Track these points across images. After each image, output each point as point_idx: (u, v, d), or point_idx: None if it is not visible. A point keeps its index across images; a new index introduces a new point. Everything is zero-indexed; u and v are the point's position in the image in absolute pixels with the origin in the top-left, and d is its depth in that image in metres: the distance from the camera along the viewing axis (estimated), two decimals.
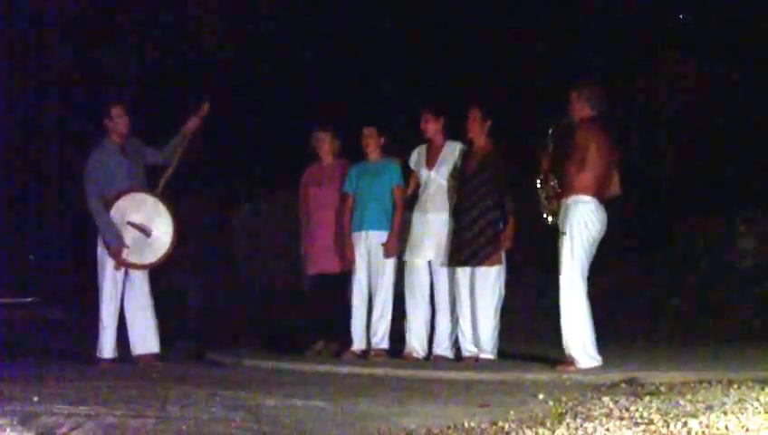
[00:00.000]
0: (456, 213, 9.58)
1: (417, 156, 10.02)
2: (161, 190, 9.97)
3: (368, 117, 10.64)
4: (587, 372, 8.21)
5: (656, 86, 15.94)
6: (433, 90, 15.12)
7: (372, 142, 10.14)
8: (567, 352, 8.45)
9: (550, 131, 8.73)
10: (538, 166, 8.71)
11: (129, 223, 9.73)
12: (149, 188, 9.98)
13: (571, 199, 8.51)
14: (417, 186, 9.98)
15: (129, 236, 9.74)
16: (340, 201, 10.25)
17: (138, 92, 19.22)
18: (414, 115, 10.09)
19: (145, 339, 9.83)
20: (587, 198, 8.51)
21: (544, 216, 8.66)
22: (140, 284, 9.84)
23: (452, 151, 9.81)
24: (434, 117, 9.86)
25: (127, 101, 10.81)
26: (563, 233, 8.48)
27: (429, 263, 9.79)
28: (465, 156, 9.69)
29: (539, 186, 8.68)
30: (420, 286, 9.81)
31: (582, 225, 8.47)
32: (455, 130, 9.91)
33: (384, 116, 12.20)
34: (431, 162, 9.85)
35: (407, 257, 9.89)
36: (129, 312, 9.83)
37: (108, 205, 9.67)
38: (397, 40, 17.48)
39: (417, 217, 9.87)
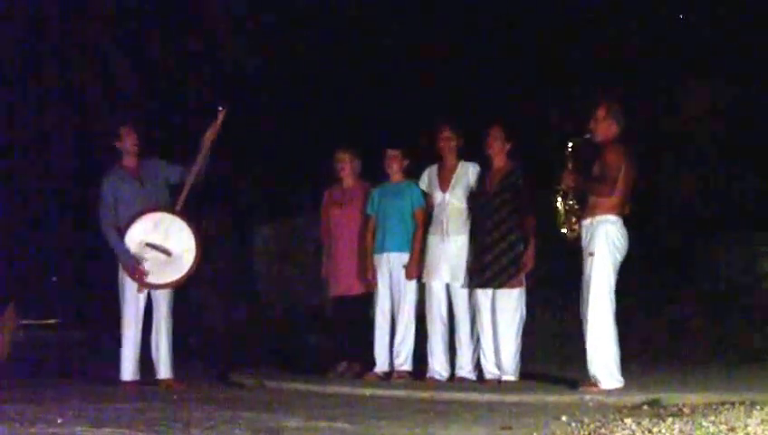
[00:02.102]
0: (477, 234, 9.56)
1: (427, 178, 10.01)
2: (180, 207, 9.91)
3: (393, 139, 10.64)
4: (609, 393, 8.19)
5: (674, 102, 15.93)
6: (451, 109, 15.12)
7: (396, 164, 10.15)
8: (591, 372, 8.43)
9: (569, 148, 8.70)
10: (558, 183, 8.67)
11: (147, 244, 9.72)
12: (170, 206, 9.95)
13: (598, 219, 8.48)
14: (432, 207, 9.97)
15: (149, 257, 9.72)
16: (362, 223, 10.27)
17: (153, 110, 19.25)
18: (431, 135, 10.09)
19: (167, 363, 9.84)
20: (614, 217, 8.50)
21: (564, 231, 8.64)
22: (165, 308, 9.84)
23: (465, 172, 9.81)
24: (455, 135, 9.86)
25: (135, 120, 10.76)
26: (591, 253, 8.45)
27: (448, 285, 9.78)
28: (482, 176, 9.68)
29: (558, 203, 8.66)
30: (439, 309, 9.80)
31: (612, 245, 8.46)
32: (468, 150, 9.93)
33: (405, 136, 12.20)
34: (445, 184, 9.84)
35: (425, 280, 9.89)
36: (153, 334, 9.85)
37: (125, 228, 9.68)
38: (417, 59, 17.51)
39: (433, 241, 9.84)
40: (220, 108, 9.92)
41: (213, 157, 10.00)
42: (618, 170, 8.45)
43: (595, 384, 8.38)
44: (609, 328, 8.43)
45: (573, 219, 8.62)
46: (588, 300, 8.44)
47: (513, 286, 9.36)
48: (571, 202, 8.63)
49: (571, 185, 8.61)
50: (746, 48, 15.04)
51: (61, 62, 20.03)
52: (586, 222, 8.54)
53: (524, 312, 9.45)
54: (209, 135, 9.88)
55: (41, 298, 22.03)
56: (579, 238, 8.63)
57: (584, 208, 8.59)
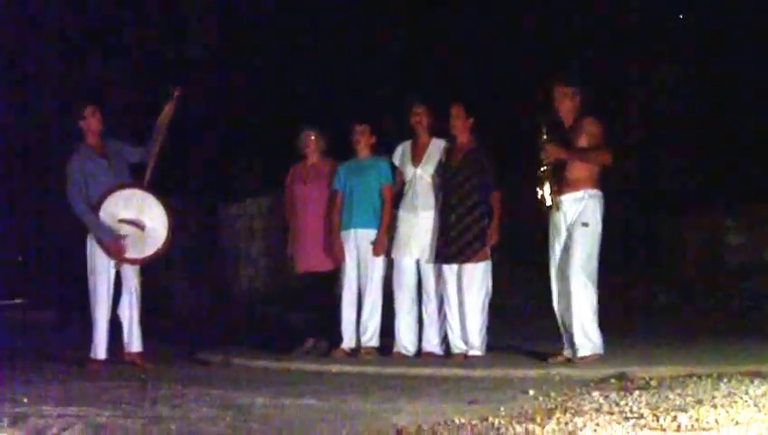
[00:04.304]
0: (442, 210, 9.57)
1: (401, 153, 10.01)
2: (147, 184, 9.94)
3: (361, 115, 10.62)
4: (576, 366, 8.25)
5: (643, 83, 15.98)
6: (418, 86, 15.11)
7: (363, 140, 10.13)
8: (578, 340, 8.51)
9: (543, 125, 8.72)
10: (546, 156, 8.65)
11: (120, 220, 9.71)
12: (135, 183, 9.95)
13: (589, 193, 8.65)
14: (402, 183, 9.96)
15: (124, 232, 9.71)
16: (328, 199, 10.24)
17: (124, 91, 19.19)
18: (402, 112, 10.09)
19: (139, 337, 9.83)
20: (600, 192, 8.66)
21: (548, 204, 8.65)
22: (134, 281, 9.83)
23: (437, 148, 9.80)
24: (428, 112, 9.87)
25: (100, 101, 10.77)
26: (585, 224, 8.53)
27: (417, 260, 9.78)
28: (448, 153, 9.68)
29: (545, 177, 8.64)
30: (408, 284, 9.81)
31: (600, 217, 8.63)
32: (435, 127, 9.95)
33: (372, 113, 12.19)
34: (417, 159, 9.84)
35: (394, 255, 9.89)
36: (123, 309, 9.82)
37: (96, 205, 9.65)
38: (384, 37, 17.49)
39: (403, 216, 9.85)
40: (176, 88, 10.03)
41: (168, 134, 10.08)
42: (600, 140, 8.58)
43: (561, 353, 8.55)
44: (595, 296, 8.54)
45: (556, 195, 8.66)
46: (573, 268, 8.53)
47: (478, 261, 9.36)
48: (554, 176, 8.66)
49: (558, 157, 8.63)
50: (716, 28, 15.11)
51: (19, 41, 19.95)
52: (577, 195, 8.61)
53: (490, 286, 9.46)
54: (166, 114, 9.99)
55: (5, 278, 21.87)
56: (548, 211, 8.70)
57: (564, 182, 8.64)
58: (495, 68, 16.04)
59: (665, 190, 15.38)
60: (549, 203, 8.65)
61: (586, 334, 8.52)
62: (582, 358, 8.48)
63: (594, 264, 8.60)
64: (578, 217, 8.61)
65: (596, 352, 8.52)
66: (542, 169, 8.63)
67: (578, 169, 8.65)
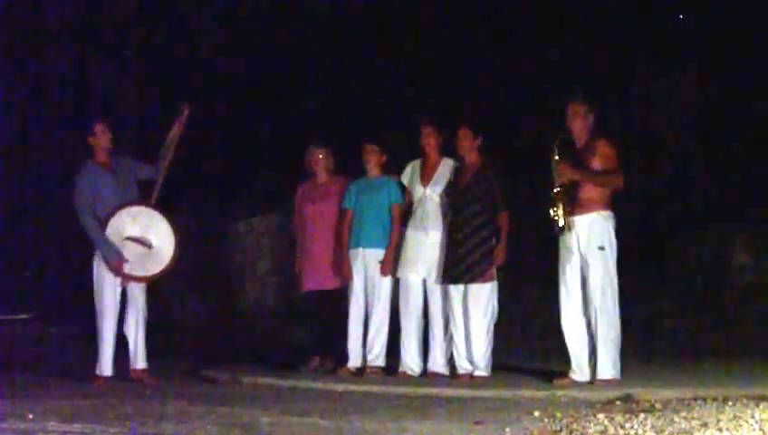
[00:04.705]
0: (450, 230, 9.57)
1: (410, 172, 10.01)
2: (154, 202, 9.95)
3: (370, 134, 10.62)
4: (582, 388, 8.23)
5: (652, 99, 15.97)
6: (427, 104, 15.11)
7: (373, 159, 10.12)
8: (602, 364, 8.51)
9: (555, 144, 8.72)
10: (559, 176, 8.66)
11: (127, 238, 9.73)
12: (142, 201, 9.97)
13: (602, 214, 8.64)
14: (411, 202, 9.96)
15: (130, 250, 9.72)
16: (337, 217, 10.24)
17: (133, 105, 19.24)
18: (410, 130, 10.10)
19: (144, 354, 9.84)
20: (611, 212, 8.67)
21: (560, 225, 8.64)
22: (140, 298, 9.84)
23: (447, 168, 9.80)
24: (437, 133, 9.87)
25: (110, 117, 10.81)
26: (602, 248, 8.53)
27: (424, 280, 9.78)
28: (456, 173, 9.68)
29: (556, 196, 8.64)
30: (415, 303, 9.79)
31: (614, 239, 8.64)
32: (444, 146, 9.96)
33: (380, 130, 12.20)
34: (426, 179, 9.83)
35: (401, 274, 9.88)
36: (130, 326, 9.82)
37: (103, 223, 9.66)
38: (394, 55, 17.50)
39: (411, 235, 9.84)
40: (184, 106, 10.06)
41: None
42: (614, 163, 8.58)
43: (566, 376, 8.61)
44: (618, 319, 8.56)
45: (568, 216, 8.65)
46: (596, 294, 8.54)
47: (484, 281, 9.35)
48: (566, 197, 8.66)
49: (572, 178, 8.62)
50: (719, 46, 15.10)
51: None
52: (589, 216, 8.61)
53: (496, 307, 9.45)
54: (174, 132, 10.02)
55: (14, 293, 21.88)
56: (560, 232, 8.69)
57: (576, 202, 8.62)
58: (502, 85, 16.03)
59: (671, 208, 15.34)
60: (561, 224, 8.64)
61: (611, 358, 8.53)
62: (604, 380, 8.47)
63: (615, 285, 8.61)
64: (592, 240, 8.59)
65: (615, 377, 8.51)
66: (554, 189, 8.63)
67: (590, 190, 8.63)
